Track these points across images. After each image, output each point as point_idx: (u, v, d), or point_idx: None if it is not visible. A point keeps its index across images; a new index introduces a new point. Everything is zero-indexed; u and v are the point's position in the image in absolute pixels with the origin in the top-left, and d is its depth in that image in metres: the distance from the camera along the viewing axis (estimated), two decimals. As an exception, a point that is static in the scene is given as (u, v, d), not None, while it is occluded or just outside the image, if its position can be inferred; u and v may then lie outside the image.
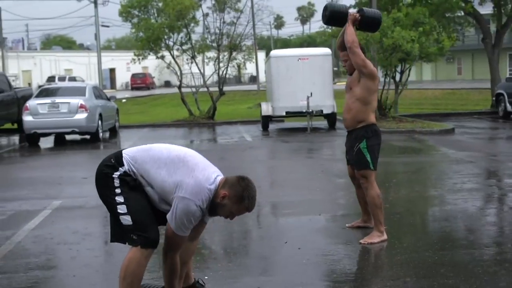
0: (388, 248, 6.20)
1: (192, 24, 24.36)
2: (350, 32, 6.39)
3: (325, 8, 6.62)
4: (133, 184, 4.28)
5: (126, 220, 4.23)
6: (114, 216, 4.32)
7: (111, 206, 4.30)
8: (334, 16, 6.56)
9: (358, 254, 6.08)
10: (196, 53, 24.73)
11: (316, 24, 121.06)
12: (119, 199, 4.24)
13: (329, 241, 6.53)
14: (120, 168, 4.28)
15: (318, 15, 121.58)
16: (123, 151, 4.41)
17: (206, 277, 5.27)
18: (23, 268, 5.87)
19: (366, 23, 6.57)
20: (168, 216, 4.23)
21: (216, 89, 25.26)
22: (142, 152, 4.40)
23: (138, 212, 4.23)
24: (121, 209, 4.23)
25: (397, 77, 22.65)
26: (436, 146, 14.88)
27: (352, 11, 6.61)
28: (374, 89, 6.58)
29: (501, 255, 5.94)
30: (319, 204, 8.41)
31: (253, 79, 66.72)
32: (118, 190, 4.25)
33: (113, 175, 4.27)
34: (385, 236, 6.42)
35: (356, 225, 7.02)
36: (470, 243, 6.43)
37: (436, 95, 37.26)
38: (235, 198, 4.23)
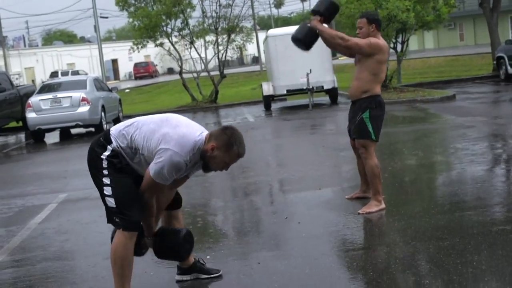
0: (386, 216, 6.31)
1: (189, 10, 24.38)
2: (327, 33, 6.44)
3: (295, 41, 6.64)
4: (120, 166, 4.38)
5: (111, 202, 4.35)
6: (101, 197, 4.44)
7: (99, 187, 4.43)
8: (306, 40, 6.57)
9: (357, 224, 6.18)
10: (194, 38, 24.77)
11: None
12: (106, 180, 4.35)
13: (329, 213, 6.65)
14: (108, 147, 4.38)
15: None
16: (110, 128, 4.55)
17: (208, 257, 5.41)
18: (33, 260, 6.02)
19: (328, 15, 6.57)
20: (150, 164, 4.31)
21: (218, 72, 25.32)
22: (126, 124, 4.52)
23: (122, 195, 4.33)
24: (107, 190, 4.35)
25: (398, 48, 22.67)
26: (437, 113, 14.93)
27: (309, 21, 6.62)
28: (384, 60, 6.64)
29: (494, 215, 6.06)
30: (319, 178, 8.50)
31: (256, 60, 66.66)
32: (105, 172, 4.36)
33: (102, 156, 4.38)
34: (383, 205, 6.52)
35: (355, 196, 7.13)
36: (466, 206, 6.51)
37: (439, 63, 37.14)
38: (224, 147, 4.31)
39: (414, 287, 4.46)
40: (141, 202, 4.40)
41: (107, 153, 4.39)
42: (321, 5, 6.61)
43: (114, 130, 4.47)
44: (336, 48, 6.81)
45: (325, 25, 6.56)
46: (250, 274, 5.05)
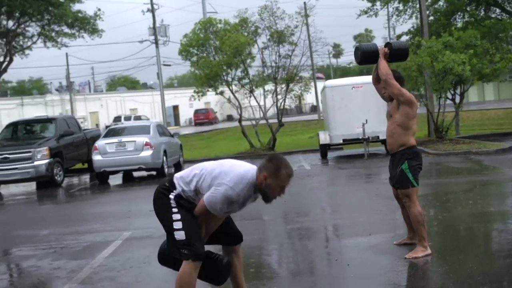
0: (432, 261, 6.64)
1: (249, 60, 25.20)
2: (383, 66, 7.00)
3: (357, 49, 7.27)
4: (188, 206, 4.92)
5: (180, 235, 4.84)
6: (169, 232, 4.93)
7: (167, 222, 4.93)
8: (366, 55, 7.19)
9: (403, 267, 6.53)
10: (254, 87, 25.52)
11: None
12: (176, 216, 4.88)
13: (377, 257, 7.01)
14: (173, 191, 4.93)
15: (376, 41, 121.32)
16: (175, 175, 5.10)
17: (261, 292, 5.85)
18: (100, 290, 6.57)
19: (395, 55, 7.16)
20: (206, 194, 4.81)
21: (276, 120, 25.94)
22: (187, 170, 5.08)
23: (191, 229, 4.85)
24: (177, 225, 4.86)
25: (457, 100, 22.91)
26: (491, 165, 15.09)
27: (381, 46, 7.21)
28: (413, 114, 7.11)
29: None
30: (370, 225, 8.87)
31: (314, 108, 67.25)
32: (175, 209, 4.90)
33: (170, 196, 4.93)
34: (428, 251, 6.86)
35: (403, 242, 7.47)
36: (509, 254, 6.79)
37: (499, 115, 36.95)
38: (273, 173, 4.78)
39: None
40: (196, 211, 4.89)
41: (174, 194, 4.94)
42: (397, 43, 7.32)
43: (179, 177, 5.01)
44: (378, 83, 7.27)
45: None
46: (300, 309, 5.46)
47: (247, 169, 4.89)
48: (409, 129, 7.09)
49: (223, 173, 4.80)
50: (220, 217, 4.98)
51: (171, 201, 4.92)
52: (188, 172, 5.03)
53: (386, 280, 6.10)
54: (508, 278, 5.82)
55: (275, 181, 4.79)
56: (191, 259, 4.83)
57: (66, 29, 24.37)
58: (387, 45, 7.21)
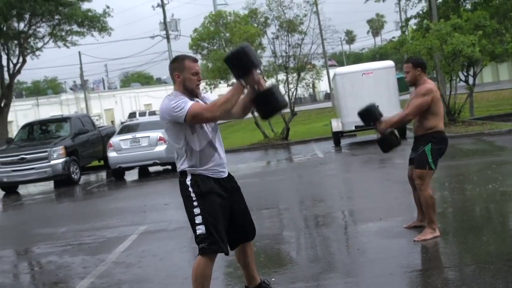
0: (440, 243, 6.74)
1: (259, 51, 25.28)
2: (397, 124, 7.37)
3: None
4: (204, 190, 4.93)
5: (201, 229, 4.92)
6: (191, 225, 5.02)
7: (189, 215, 5.00)
8: (388, 145, 7.47)
9: (412, 250, 6.64)
10: (265, 77, 25.61)
11: (387, 35, 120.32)
12: (196, 210, 4.95)
13: (386, 241, 7.13)
14: (187, 179, 4.99)
15: (388, 26, 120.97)
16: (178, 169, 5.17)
17: (273, 279, 5.98)
18: (119, 283, 6.74)
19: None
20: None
21: (288, 110, 26.02)
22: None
23: (211, 222, 4.90)
24: (198, 219, 4.93)
25: (470, 81, 22.87)
26: (503, 146, 15.11)
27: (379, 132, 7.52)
28: (438, 98, 7.16)
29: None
30: (381, 210, 8.98)
31: (328, 96, 67.22)
32: (195, 203, 4.95)
33: (188, 186, 4.98)
34: (437, 233, 6.96)
35: (413, 225, 7.58)
36: (519, 232, 6.89)
37: (514, 95, 36.80)
38: (180, 68, 4.98)
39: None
40: (221, 112, 4.85)
41: (189, 184, 4.98)
42: (369, 118, 7.67)
43: (179, 165, 5.09)
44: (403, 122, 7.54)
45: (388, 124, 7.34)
46: (310, 294, 5.60)
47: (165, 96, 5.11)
48: (436, 113, 7.13)
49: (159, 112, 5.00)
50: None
51: (191, 193, 4.97)
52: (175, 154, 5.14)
53: (396, 263, 6.20)
54: (515, 256, 5.92)
55: (186, 73, 4.95)
56: (209, 253, 4.91)
57: (76, 28, 24.57)
58: (372, 123, 7.67)
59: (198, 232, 4.93)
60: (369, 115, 7.38)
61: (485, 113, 25.55)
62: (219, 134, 5.15)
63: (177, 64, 5.04)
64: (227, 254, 5.04)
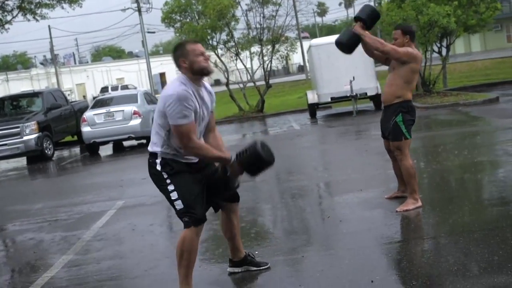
0: (422, 213, 6.72)
1: (233, 23, 25.04)
2: (369, 39, 6.96)
3: (338, 44, 7.15)
4: (178, 168, 4.88)
5: (179, 204, 4.85)
6: (170, 203, 4.95)
7: (165, 194, 4.94)
8: (350, 44, 7.07)
9: (394, 220, 6.61)
10: (240, 50, 25.41)
11: (360, 7, 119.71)
12: (170, 187, 4.88)
13: (368, 212, 7.09)
14: (156, 159, 4.91)
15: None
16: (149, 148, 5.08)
17: (256, 252, 5.91)
18: (97, 259, 6.62)
19: (370, 20, 7.12)
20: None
21: (263, 82, 25.90)
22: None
23: (187, 195, 4.84)
24: (173, 195, 4.86)
25: (443, 52, 22.91)
26: (479, 116, 15.19)
27: (353, 27, 7.13)
28: (417, 69, 7.13)
29: (528, 209, 6.42)
30: (361, 181, 8.95)
31: (301, 68, 67.15)
32: (168, 180, 4.89)
33: (157, 167, 4.90)
34: (419, 203, 6.93)
35: (394, 195, 7.54)
36: (499, 202, 6.88)
37: (486, 66, 37.04)
38: (184, 54, 4.88)
39: (445, 274, 4.86)
40: (194, 154, 4.84)
41: (159, 163, 4.90)
42: (363, 12, 7.15)
43: (151, 142, 4.98)
44: (374, 54, 7.28)
45: (366, 32, 7.07)
46: (295, 266, 5.55)
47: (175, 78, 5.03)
48: (410, 83, 7.08)
49: (163, 94, 4.84)
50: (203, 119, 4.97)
51: (162, 172, 4.91)
52: (152, 131, 5.02)
53: (378, 234, 6.16)
54: (498, 225, 5.91)
55: (191, 56, 4.86)
56: (193, 225, 4.85)
57: (46, 0, 24.02)
58: (357, 19, 7.12)
59: (177, 207, 4.88)
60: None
61: (458, 84, 25.69)
62: (203, 130, 5.10)
63: (180, 51, 4.94)
64: (204, 220, 4.94)
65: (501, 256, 5.03)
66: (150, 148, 4.97)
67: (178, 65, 4.94)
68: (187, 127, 4.73)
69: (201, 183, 4.94)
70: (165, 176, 4.90)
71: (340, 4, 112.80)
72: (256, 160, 4.97)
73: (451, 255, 5.26)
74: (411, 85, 7.13)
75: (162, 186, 4.95)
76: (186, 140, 4.76)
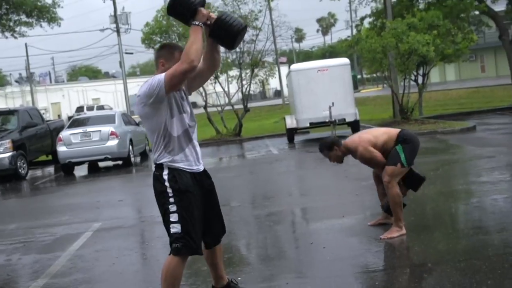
0: (407, 241, 6.65)
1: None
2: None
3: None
4: (181, 187, 4.68)
5: (176, 228, 4.65)
6: (164, 221, 4.73)
7: (164, 211, 4.72)
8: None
9: (379, 248, 6.53)
10: (218, 73, 25.33)
11: (337, 34, 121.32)
12: (172, 208, 4.67)
13: (352, 239, 6.99)
14: (163, 173, 4.73)
15: (339, 25, 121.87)
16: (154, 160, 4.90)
17: (239, 278, 5.77)
18: (74, 283, 6.42)
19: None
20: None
21: (241, 106, 25.85)
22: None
23: (188, 221, 4.65)
24: (173, 217, 4.66)
25: (420, 80, 23.09)
26: (457, 144, 15.24)
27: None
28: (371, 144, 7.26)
29: (508, 239, 6.38)
30: (343, 207, 8.87)
31: (278, 93, 67.34)
32: (171, 199, 4.68)
33: (164, 182, 4.70)
34: (403, 231, 6.86)
35: (377, 222, 7.47)
36: (482, 231, 6.83)
37: (460, 95, 37.45)
38: (168, 57, 4.74)
39: (432, 304, 4.79)
40: (189, 60, 4.48)
41: (166, 178, 4.69)
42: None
43: (156, 155, 4.80)
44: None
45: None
46: (278, 294, 5.42)
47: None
48: (378, 137, 7.24)
49: (142, 89, 4.71)
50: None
51: (168, 188, 4.70)
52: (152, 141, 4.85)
53: (363, 261, 6.07)
54: (481, 252, 5.84)
55: (172, 64, 4.63)
56: (187, 254, 4.68)
57: (25, 18, 23.82)
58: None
59: (172, 230, 4.66)
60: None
61: (434, 112, 25.86)
62: (196, 129, 4.89)
63: (166, 52, 4.80)
64: (201, 254, 4.82)
65: (489, 286, 4.95)
66: (155, 161, 4.79)
67: (156, 63, 4.82)
68: (169, 72, 4.55)
69: (201, 210, 4.77)
70: (170, 193, 4.68)
71: (317, 31, 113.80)
72: (228, 25, 4.65)
73: (438, 285, 5.17)
74: (383, 135, 7.31)
75: (163, 204, 4.73)
76: (182, 66, 4.48)
